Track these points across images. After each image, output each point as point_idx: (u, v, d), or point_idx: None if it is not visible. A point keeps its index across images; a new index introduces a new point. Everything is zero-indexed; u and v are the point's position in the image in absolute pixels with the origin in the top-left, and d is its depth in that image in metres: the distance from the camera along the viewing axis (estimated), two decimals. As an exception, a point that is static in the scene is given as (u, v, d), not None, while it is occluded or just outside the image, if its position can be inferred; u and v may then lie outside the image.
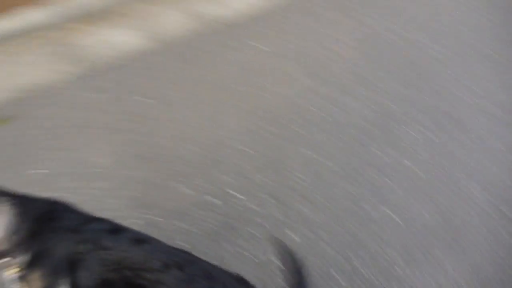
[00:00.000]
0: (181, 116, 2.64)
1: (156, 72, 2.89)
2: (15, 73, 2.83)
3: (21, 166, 2.28)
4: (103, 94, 2.72)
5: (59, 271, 1.22)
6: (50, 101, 2.65)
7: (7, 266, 1.18)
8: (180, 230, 2.09)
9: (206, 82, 2.85)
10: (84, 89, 2.74)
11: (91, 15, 3.26)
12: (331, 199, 2.28)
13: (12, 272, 1.18)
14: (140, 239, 1.30)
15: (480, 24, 3.73)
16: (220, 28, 3.28)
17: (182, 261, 1.26)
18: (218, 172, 2.36)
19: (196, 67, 2.95)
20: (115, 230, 1.31)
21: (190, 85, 2.83)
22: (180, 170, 2.35)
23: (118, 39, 3.13)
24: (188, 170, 2.35)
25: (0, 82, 2.76)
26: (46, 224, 1.24)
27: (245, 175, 2.34)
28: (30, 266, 1.20)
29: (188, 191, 2.26)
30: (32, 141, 2.43)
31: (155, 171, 2.34)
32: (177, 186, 2.27)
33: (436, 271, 2.06)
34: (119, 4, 3.36)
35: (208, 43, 3.13)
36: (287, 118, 2.68)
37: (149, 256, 1.24)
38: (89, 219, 1.33)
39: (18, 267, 1.19)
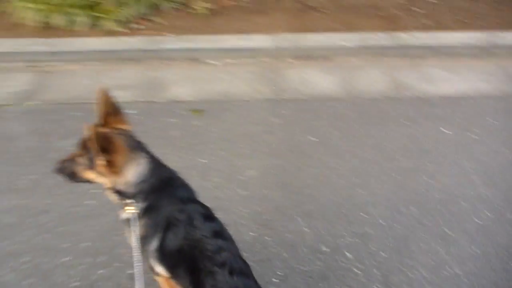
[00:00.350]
0: (335, 163, 2.74)
1: (335, 117, 3.08)
2: (223, 80, 3.43)
3: (190, 151, 2.77)
4: (279, 120, 3.04)
5: (158, 226, 1.49)
6: (235, 108, 3.13)
7: (131, 206, 1.50)
8: (280, 256, 2.19)
9: (374, 144, 2.89)
10: (266, 110, 3.13)
11: (303, 53, 3.68)
12: None
13: (133, 212, 1.50)
14: (220, 234, 1.48)
15: None
16: (411, 99, 3.26)
17: (238, 270, 1.39)
18: (340, 225, 2.36)
19: (372, 126, 3.01)
20: (208, 217, 1.52)
21: (359, 139, 2.91)
22: (309, 209, 2.45)
23: (315, 79, 3.45)
24: (316, 212, 2.43)
25: (209, 85, 3.40)
26: (165, 186, 1.54)
27: (366, 242, 2.28)
28: (143, 213, 1.51)
29: (305, 229, 2.34)
30: (207, 133, 2.92)
31: (287, 198, 2.50)
32: (299, 221, 2.38)
33: None
34: (327, 50, 3.69)
35: (394, 109, 3.16)
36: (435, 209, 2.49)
37: (217, 250, 1.40)
38: (194, 199, 1.58)
39: (137, 210, 1.50)
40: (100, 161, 1.38)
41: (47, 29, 3.72)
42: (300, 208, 2.46)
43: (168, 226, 1.48)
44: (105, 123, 1.49)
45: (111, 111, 1.51)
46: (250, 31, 3.78)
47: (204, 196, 2.30)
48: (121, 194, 1.50)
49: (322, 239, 2.30)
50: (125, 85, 3.33)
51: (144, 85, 3.37)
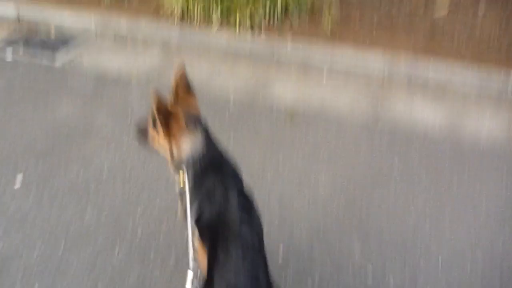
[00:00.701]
0: (411, 199, 2.63)
1: (428, 155, 2.94)
2: (326, 92, 3.51)
3: (271, 148, 2.93)
4: (369, 142, 3.02)
5: (199, 197, 1.66)
6: (325, 120, 3.21)
7: (183, 177, 1.70)
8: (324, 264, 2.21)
9: (461, 193, 2.69)
10: (357, 130, 3.13)
11: (417, 81, 3.54)
12: None
13: (184, 183, 1.69)
14: (248, 209, 1.60)
15: None
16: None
17: (250, 244, 1.49)
18: (402, 263, 2.28)
19: (466, 175, 2.80)
20: (243, 194, 1.65)
21: (446, 184, 2.74)
22: (367, 232, 2.41)
23: (420, 110, 3.32)
24: (375, 241, 2.38)
25: (310, 93, 3.53)
26: (215, 164, 1.70)
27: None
28: (192, 185, 1.68)
29: (357, 254, 2.31)
30: (291, 135, 3.07)
31: (348, 216, 2.49)
32: (353, 243, 2.36)
33: None
34: (445, 82, 3.48)
35: (498, 163, 2.87)
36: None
37: (239, 221, 1.53)
38: (237, 180, 1.71)
39: (188, 182, 1.69)
40: (160, 129, 1.60)
41: (184, 18, 4.24)
42: (360, 226, 2.44)
43: (206, 198, 1.63)
44: (175, 98, 1.72)
45: (184, 88, 1.73)
46: (371, 49, 3.76)
47: (271, 189, 2.42)
48: (177, 166, 1.71)
49: (371, 260, 2.25)
50: (235, 78, 3.64)
51: (251, 81, 3.64)
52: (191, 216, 1.63)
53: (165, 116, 1.58)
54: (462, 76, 3.45)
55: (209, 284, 1.45)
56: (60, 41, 4.26)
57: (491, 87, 3.38)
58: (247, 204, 1.65)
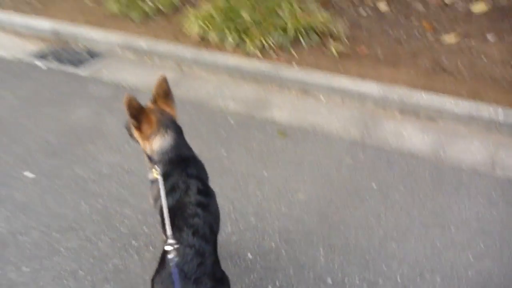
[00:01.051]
0: (384, 214, 2.75)
1: (409, 174, 3.05)
2: (320, 115, 3.69)
3: (259, 163, 3.12)
4: (352, 161, 3.17)
5: (165, 189, 1.87)
6: (316, 140, 3.39)
7: (155, 170, 1.92)
8: (286, 272, 2.36)
9: (434, 211, 2.77)
10: (345, 149, 3.27)
11: (409, 108, 3.67)
12: None
13: (154, 175, 1.92)
14: (204, 206, 1.80)
15: None
16: (502, 180, 2.97)
17: (201, 234, 1.68)
18: (356, 267, 2.39)
19: (444, 195, 2.88)
20: (202, 192, 1.85)
21: (422, 202, 2.84)
22: (335, 243, 2.55)
23: (409, 134, 3.44)
24: (339, 248, 2.52)
25: (305, 115, 3.71)
26: (181, 162, 1.91)
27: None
28: (161, 177, 1.91)
29: (322, 258, 2.46)
30: (281, 153, 3.26)
31: (320, 228, 2.63)
32: (319, 250, 2.51)
33: None
34: (435, 111, 3.59)
35: (476, 185, 2.94)
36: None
37: (193, 215, 1.74)
38: (200, 178, 1.91)
39: (158, 174, 1.91)
40: (132, 125, 1.85)
41: (203, 41, 4.57)
42: (327, 240, 2.56)
43: (171, 190, 1.84)
44: (154, 103, 1.97)
45: (163, 94, 1.97)
46: (372, 79, 3.92)
47: (250, 201, 2.62)
48: (149, 159, 1.94)
49: (332, 273, 2.37)
50: (238, 98, 3.89)
51: (252, 102, 3.87)
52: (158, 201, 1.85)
53: (138, 117, 1.82)
54: (455, 106, 3.56)
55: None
56: (88, 54, 4.70)
57: (481, 116, 3.47)
58: (204, 201, 1.85)
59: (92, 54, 4.71)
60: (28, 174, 3.03)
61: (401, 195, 2.87)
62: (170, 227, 1.66)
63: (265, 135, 3.41)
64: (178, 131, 1.96)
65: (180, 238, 1.65)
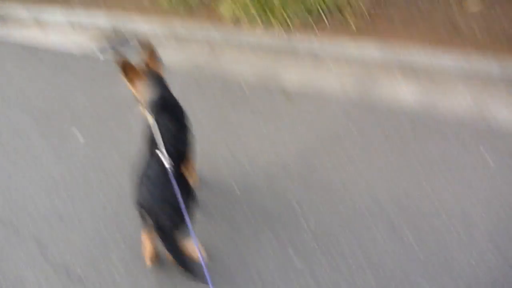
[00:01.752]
0: (362, 165, 3.10)
1: (393, 126, 3.33)
2: (324, 77, 4.06)
3: (261, 120, 3.63)
4: (345, 118, 3.52)
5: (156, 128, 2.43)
6: (315, 99, 3.80)
7: (148, 115, 2.50)
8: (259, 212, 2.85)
9: (411, 158, 3.05)
10: (340, 106, 3.62)
11: (407, 66, 3.89)
12: None
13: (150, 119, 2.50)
14: (177, 138, 2.35)
15: None
16: (483, 131, 3.11)
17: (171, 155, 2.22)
18: (329, 212, 2.79)
19: (423, 143, 3.13)
20: (181, 130, 2.41)
21: (403, 152, 3.12)
22: (310, 186, 2.97)
23: (403, 90, 3.70)
24: (314, 193, 2.93)
25: (311, 78, 4.09)
26: (166, 108, 2.47)
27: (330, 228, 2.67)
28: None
29: (295, 199, 2.90)
30: (283, 110, 3.74)
31: (303, 176, 3.05)
32: (296, 192, 2.94)
33: None
34: (432, 67, 3.78)
35: (458, 133, 3.14)
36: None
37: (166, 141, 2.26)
38: (182, 120, 2.46)
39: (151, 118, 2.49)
40: (122, 77, 2.44)
41: (235, 21, 5.16)
42: (303, 178, 3.00)
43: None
44: (145, 62, 2.55)
45: (151, 56, 2.55)
46: (384, 41, 4.17)
47: (246, 153, 3.21)
48: (140, 105, 2.53)
49: (302, 201, 2.82)
50: (256, 72, 4.40)
51: (263, 69, 4.41)
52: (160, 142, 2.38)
53: (127, 69, 2.41)
54: (448, 62, 3.71)
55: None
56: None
57: (477, 69, 3.60)
58: (181, 135, 2.40)
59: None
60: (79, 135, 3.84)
61: (382, 145, 3.20)
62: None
63: (271, 100, 3.89)
64: (163, 83, 2.53)
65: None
